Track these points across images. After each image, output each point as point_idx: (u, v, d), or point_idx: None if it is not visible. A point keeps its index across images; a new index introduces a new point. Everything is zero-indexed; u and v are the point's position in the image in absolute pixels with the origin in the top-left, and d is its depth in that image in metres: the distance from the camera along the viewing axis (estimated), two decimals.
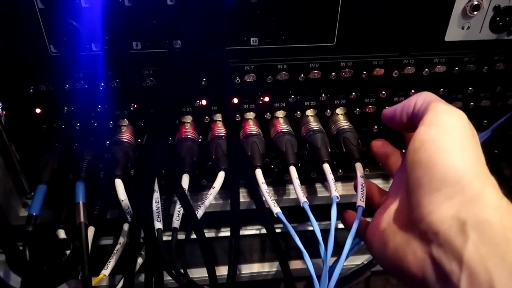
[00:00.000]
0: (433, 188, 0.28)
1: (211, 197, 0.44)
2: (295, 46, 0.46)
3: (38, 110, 0.47)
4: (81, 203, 0.44)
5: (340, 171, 0.57)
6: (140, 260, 0.45)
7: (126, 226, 0.46)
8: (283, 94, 0.50)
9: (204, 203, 0.44)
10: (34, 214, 0.42)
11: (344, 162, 0.56)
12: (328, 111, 0.52)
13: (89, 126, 0.48)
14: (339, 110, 0.52)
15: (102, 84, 0.46)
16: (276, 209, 0.42)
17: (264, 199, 0.44)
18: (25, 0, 0.40)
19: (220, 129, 0.49)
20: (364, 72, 0.49)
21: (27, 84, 0.45)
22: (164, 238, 0.42)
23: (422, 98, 0.34)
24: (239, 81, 0.47)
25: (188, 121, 0.50)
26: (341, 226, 0.61)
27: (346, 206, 0.46)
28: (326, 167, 0.46)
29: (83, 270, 0.40)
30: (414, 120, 0.34)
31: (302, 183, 0.56)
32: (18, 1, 0.40)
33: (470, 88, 0.51)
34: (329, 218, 0.41)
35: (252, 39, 0.45)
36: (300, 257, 0.41)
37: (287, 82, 0.48)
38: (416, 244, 0.29)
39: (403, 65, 0.49)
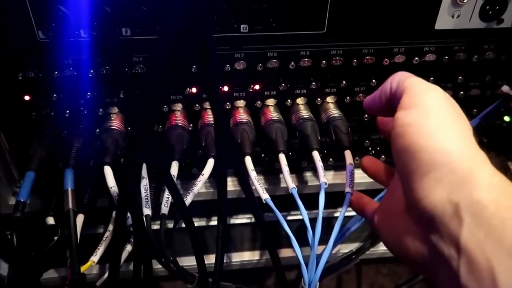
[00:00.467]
0: (422, 173, 0.27)
1: (200, 184, 0.44)
2: (286, 33, 0.46)
3: (27, 97, 0.47)
4: (69, 189, 0.44)
5: (331, 160, 0.57)
6: (129, 248, 0.45)
7: (115, 213, 0.46)
8: (273, 82, 0.50)
9: (193, 190, 0.44)
10: (22, 200, 0.42)
11: (335, 151, 0.56)
12: (319, 99, 0.52)
13: (79, 114, 0.48)
14: (329, 99, 0.52)
15: (91, 71, 0.46)
16: (265, 195, 0.42)
17: (253, 187, 0.44)
18: None
19: (210, 117, 0.49)
20: (355, 61, 0.49)
21: (16, 71, 0.45)
22: (155, 227, 0.43)
23: (396, 80, 0.32)
24: (229, 68, 0.47)
25: (178, 109, 0.50)
26: (337, 214, 0.62)
27: (339, 194, 0.46)
28: (316, 154, 0.46)
29: (71, 256, 0.40)
30: (393, 104, 0.32)
31: (293, 172, 0.57)
32: None
33: (460, 77, 0.52)
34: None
35: (242, 26, 0.45)
36: (291, 245, 0.42)
37: (277, 70, 0.48)
38: (415, 230, 0.28)
39: (393, 53, 0.49)
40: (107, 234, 0.45)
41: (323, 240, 0.42)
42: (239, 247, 0.60)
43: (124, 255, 0.44)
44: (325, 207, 0.61)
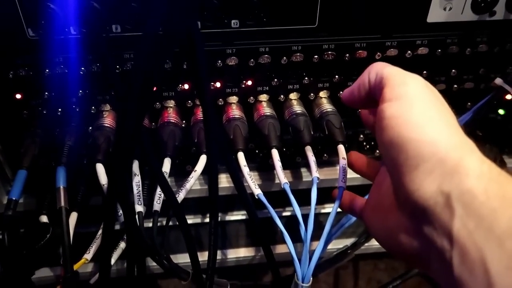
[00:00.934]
0: (411, 166, 0.26)
1: (192, 180, 0.44)
2: (277, 28, 0.46)
3: (18, 96, 0.47)
4: (61, 187, 0.43)
5: (325, 155, 0.57)
6: (123, 245, 0.45)
7: (103, 210, 0.45)
8: (266, 78, 0.50)
9: (185, 186, 0.44)
10: (14, 198, 0.42)
11: (329, 146, 0.56)
12: (312, 94, 0.51)
13: (71, 112, 0.48)
14: (322, 93, 0.52)
15: (83, 68, 0.46)
16: (257, 191, 0.42)
17: (246, 183, 0.44)
18: None
19: None
20: (347, 55, 0.49)
21: (6, 70, 0.45)
22: (149, 224, 0.43)
23: (374, 71, 0.31)
24: (221, 64, 0.47)
25: (171, 105, 0.50)
26: (328, 210, 0.62)
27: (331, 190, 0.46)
28: (308, 149, 0.46)
29: (64, 254, 0.40)
30: (374, 96, 0.32)
31: (287, 168, 0.57)
32: None
33: (453, 70, 0.51)
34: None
35: (233, 21, 0.44)
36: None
37: (269, 66, 0.48)
38: (406, 223, 0.28)
39: (385, 47, 0.49)
40: (101, 231, 0.45)
41: (318, 236, 0.42)
42: (235, 244, 0.60)
43: (118, 252, 0.44)
44: (321, 202, 0.62)
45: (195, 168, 0.44)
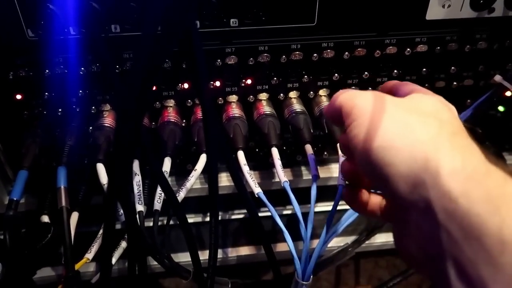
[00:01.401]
0: (385, 175, 0.26)
1: (192, 179, 0.44)
2: (276, 27, 0.46)
3: (18, 96, 0.47)
4: (62, 187, 0.44)
5: (326, 153, 0.57)
6: (124, 244, 0.45)
7: (104, 209, 0.46)
8: (265, 76, 0.50)
9: (185, 185, 0.44)
10: (15, 199, 0.42)
11: (329, 144, 0.56)
12: (311, 92, 0.51)
13: (71, 112, 0.48)
14: (322, 92, 0.52)
15: (83, 68, 0.46)
16: (257, 189, 0.42)
17: (246, 181, 0.44)
18: None
19: None
20: (346, 53, 0.49)
21: (6, 70, 0.45)
22: (150, 224, 0.43)
23: (333, 105, 0.32)
24: (221, 63, 0.47)
25: (171, 105, 0.50)
26: (329, 208, 0.62)
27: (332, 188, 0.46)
28: (308, 147, 0.46)
29: (65, 253, 0.41)
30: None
31: (288, 166, 0.57)
32: None
33: (452, 68, 0.51)
34: (317, 201, 0.41)
35: (232, 20, 0.45)
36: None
37: (269, 64, 0.48)
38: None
39: (384, 45, 0.49)
40: (102, 231, 0.45)
41: (319, 234, 0.42)
42: (236, 242, 0.60)
43: (119, 252, 0.45)
44: (322, 200, 0.62)
45: (195, 167, 0.44)
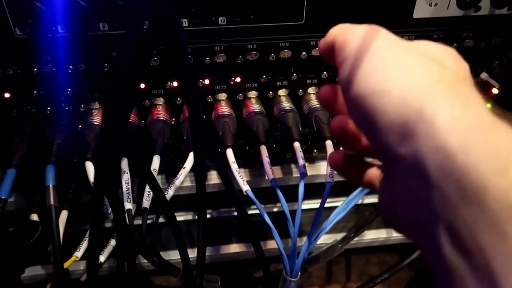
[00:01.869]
0: (376, 123, 0.22)
1: (181, 177, 0.44)
2: (264, 25, 0.46)
3: (7, 95, 0.47)
4: (51, 185, 0.44)
5: (315, 151, 0.57)
6: (113, 242, 0.45)
7: (90, 205, 0.46)
8: (254, 75, 0.50)
9: (174, 183, 0.44)
10: (3, 197, 0.42)
11: (318, 142, 0.56)
12: (300, 90, 0.52)
13: (60, 110, 0.48)
14: (311, 90, 0.52)
15: (71, 67, 0.46)
16: (246, 187, 0.43)
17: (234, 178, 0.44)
18: None
19: None
20: None
21: None
22: (140, 222, 0.43)
23: (325, 41, 0.28)
24: (210, 61, 0.47)
25: (160, 103, 0.50)
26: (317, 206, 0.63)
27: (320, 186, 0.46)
28: (297, 145, 0.47)
29: (53, 252, 0.41)
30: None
31: (277, 164, 0.57)
32: None
33: None
34: (307, 198, 0.42)
35: (220, 18, 0.45)
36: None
37: (258, 62, 0.48)
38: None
39: None
40: (89, 229, 0.45)
41: (308, 232, 0.42)
42: (226, 240, 0.60)
43: (108, 250, 0.45)
44: (311, 198, 0.62)
45: (184, 165, 0.45)
